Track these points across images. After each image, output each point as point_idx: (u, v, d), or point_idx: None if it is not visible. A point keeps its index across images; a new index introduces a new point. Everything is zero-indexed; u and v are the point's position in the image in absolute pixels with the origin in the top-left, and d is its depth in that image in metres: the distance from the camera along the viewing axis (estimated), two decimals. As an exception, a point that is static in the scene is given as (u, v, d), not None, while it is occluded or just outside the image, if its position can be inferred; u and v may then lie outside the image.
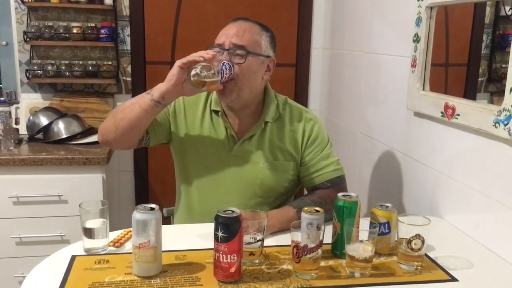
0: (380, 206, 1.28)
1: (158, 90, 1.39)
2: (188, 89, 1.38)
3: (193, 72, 1.34)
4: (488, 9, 1.53)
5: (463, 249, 1.34)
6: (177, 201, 1.73)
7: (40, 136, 2.50)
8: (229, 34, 1.48)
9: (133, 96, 2.80)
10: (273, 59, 1.56)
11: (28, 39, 2.59)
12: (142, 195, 2.94)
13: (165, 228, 1.17)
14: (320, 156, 1.58)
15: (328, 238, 1.23)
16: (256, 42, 1.49)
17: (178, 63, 1.35)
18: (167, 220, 1.73)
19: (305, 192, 1.70)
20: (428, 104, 1.63)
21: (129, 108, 1.45)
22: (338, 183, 1.58)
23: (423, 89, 1.68)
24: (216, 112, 1.58)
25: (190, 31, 2.83)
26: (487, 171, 1.37)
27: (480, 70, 1.56)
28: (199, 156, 1.58)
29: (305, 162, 1.59)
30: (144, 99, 1.41)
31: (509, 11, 1.44)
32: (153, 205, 1.13)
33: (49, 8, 2.65)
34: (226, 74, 1.40)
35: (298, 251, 1.11)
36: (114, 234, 1.33)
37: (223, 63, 1.40)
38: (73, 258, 1.21)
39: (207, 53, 1.36)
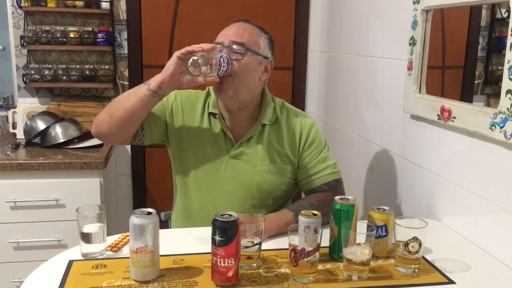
0: (377, 209, 1.28)
1: (155, 80, 1.40)
2: (185, 80, 1.39)
3: (191, 60, 1.36)
4: (484, 12, 1.53)
5: (460, 251, 1.34)
6: (174, 205, 1.73)
7: (38, 141, 2.49)
8: (229, 33, 1.49)
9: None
10: (271, 61, 1.56)
11: (25, 44, 2.59)
12: (139, 199, 2.93)
13: (162, 232, 1.17)
14: (317, 160, 1.58)
15: (325, 241, 1.23)
16: (255, 42, 1.50)
17: (177, 53, 1.37)
18: (164, 224, 1.73)
19: (303, 195, 1.70)
20: (424, 107, 1.63)
21: (125, 99, 1.44)
22: (336, 186, 1.58)
23: (420, 92, 1.69)
24: (214, 114, 1.58)
25: (187, 35, 2.84)
26: (483, 174, 1.38)
27: (477, 73, 1.57)
28: (196, 159, 1.58)
29: (302, 165, 1.59)
30: (140, 89, 1.41)
31: (505, 13, 1.44)
32: (150, 210, 1.13)
33: (46, 12, 2.65)
34: (223, 67, 1.40)
35: (296, 254, 1.11)
36: (112, 239, 1.33)
37: (221, 56, 1.40)
38: (70, 262, 1.21)
39: (206, 45, 1.37)
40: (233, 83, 1.46)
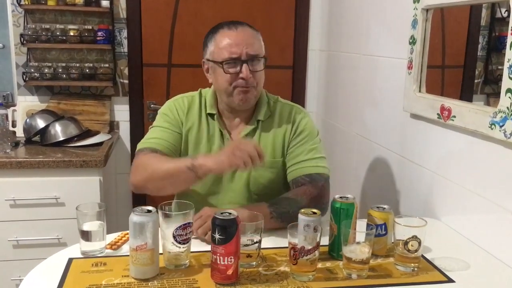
0: (377, 207, 1.28)
1: (204, 168, 1.32)
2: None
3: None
4: (484, 11, 1.53)
5: (460, 250, 1.35)
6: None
7: (37, 139, 2.49)
8: (240, 43, 1.46)
9: (130, 99, 2.81)
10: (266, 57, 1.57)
11: (25, 42, 2.59)
12: (139, 198, 2.92)
13: (162, 231, 1.17)
14: (303, 149, 1.55)
15: (325, 239, 1.24)
16: (261, 46, 1.53)
17: (233, 157, 1.29)
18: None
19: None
20: (424, 106, 1.63)
21: (168, 181, 1.41)
22: (317, 180, 1.52)
23: (420, 91, 1.69)
24: (212, 115, 1.58)
25: (187, 34, 2.84)
26: (483, 173, 1.38)
27: (476, 72, 1.57)
28: None
29: (289, 153, 1.58)
30: (187, 175, 1.35)
31: (505, 13, 1.44)
32: (150, 208, 1.14)
33: (46, 10, 2.65)
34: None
35: (295, 253, 1.12)
36: (111, 237, 1.33)
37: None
38: (70, 260, 1.21)
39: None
40: (256, 92, 1.52)
